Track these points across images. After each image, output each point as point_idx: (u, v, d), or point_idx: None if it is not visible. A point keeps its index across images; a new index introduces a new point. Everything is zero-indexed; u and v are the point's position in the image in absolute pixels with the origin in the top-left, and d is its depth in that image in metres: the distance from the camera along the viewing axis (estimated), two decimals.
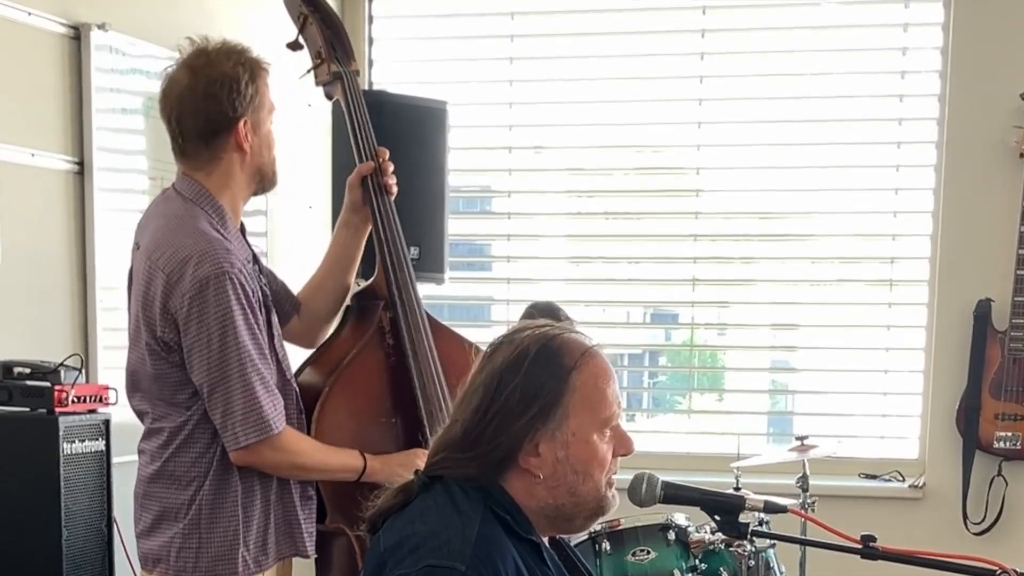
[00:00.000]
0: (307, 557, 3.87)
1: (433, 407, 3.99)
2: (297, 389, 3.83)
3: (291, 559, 3.92)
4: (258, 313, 3.64)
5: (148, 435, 3.75)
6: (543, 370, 2.49)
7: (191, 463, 3.66)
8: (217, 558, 3.66)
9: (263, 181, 3.81)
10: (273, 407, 3.60)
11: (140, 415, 3.79)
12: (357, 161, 4.15)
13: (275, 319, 3.81)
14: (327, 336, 4.19)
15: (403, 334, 4.03)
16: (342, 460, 3.81)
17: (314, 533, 3.85)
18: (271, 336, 3.73)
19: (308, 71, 4.24)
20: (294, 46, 4.23)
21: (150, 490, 3.72)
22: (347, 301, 4.25)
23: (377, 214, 4.08)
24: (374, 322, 4.08)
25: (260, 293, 3.71)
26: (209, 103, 3.69)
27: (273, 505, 3.74)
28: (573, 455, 2.51)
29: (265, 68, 3.76)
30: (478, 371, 2.56)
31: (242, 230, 3.84)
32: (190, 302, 3.51)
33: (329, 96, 4.33)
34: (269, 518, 3.73)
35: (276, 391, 3.64)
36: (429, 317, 4.16)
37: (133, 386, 3.75)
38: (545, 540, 2.63)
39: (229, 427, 3.57)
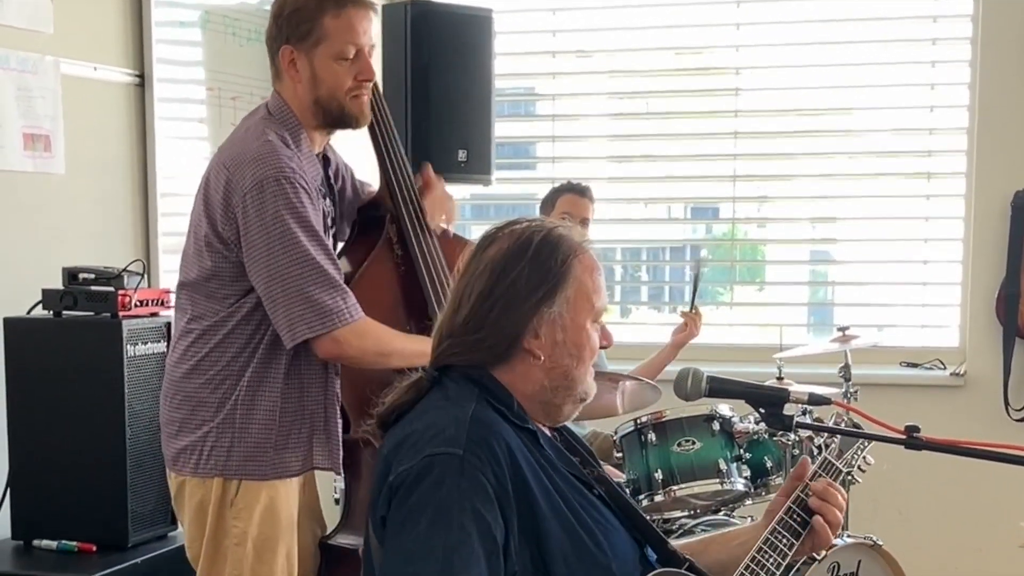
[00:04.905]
0: (335, 471, 3.79)
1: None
2: None
3: (312, 473, 3.86)
4: (318, 211, 3.58)
5: (183, 334, 3.68)
6: (548, 257, 2.54)
7: (227, 363, 3.60)
8: (247, 458, 3.61)
9: (326, 116, 3.71)
10: (338, 299, 3.51)
11: (179, 311, 3.74)
12: None
13: (328, 242, 3.71)
14: None
15: (411, 243, 3.96)
16: (421, 344, 3.71)
17: (340, 448, 3.76)
18: None
19: None
20: None
21: (182, 387, 3.65)
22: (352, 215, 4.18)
23: (376, 126, 4.01)
24: (382, 234, 4.00)
25: (322, 212, 3.65)
26: (270, 24, 3.71)
27: (312, 415, 3.67)
28: (570, 339, 2.56)
29: (347, 8, 3.65)
30: (474, 261, 2.61)
31: (325, 161, 3.82)
32: (249, 200, 3.47)
33: None
34: (304, 427, 3.66)
35: (342, 284, 3.55)
36: None
37: (181, 281, 3.71)
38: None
39: (298, 321, 3.49)
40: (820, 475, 2.84)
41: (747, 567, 2.64)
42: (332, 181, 3.87)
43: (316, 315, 3.49)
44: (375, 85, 3.94)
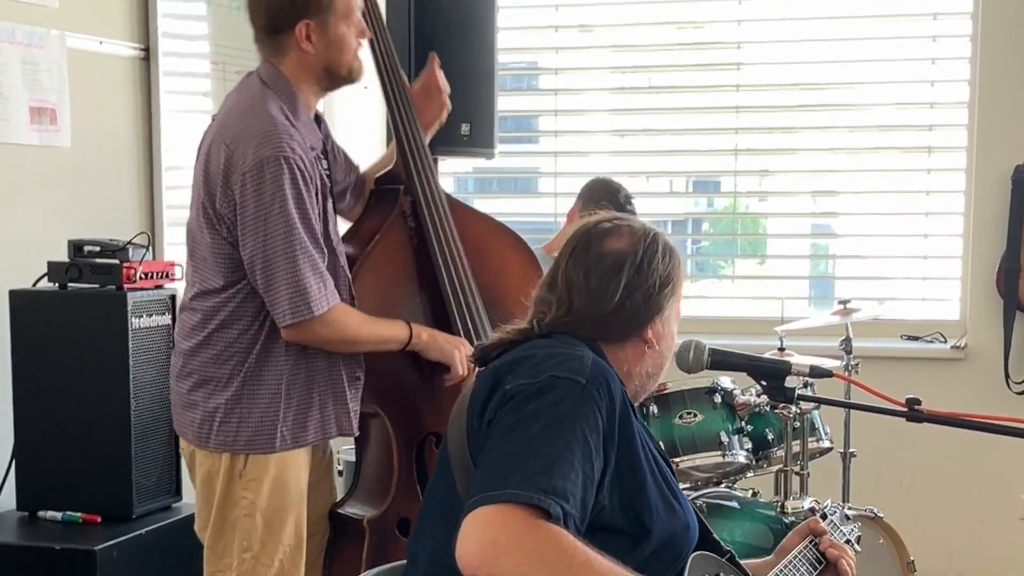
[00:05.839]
0: (351, 435, 3.83)
1: (455, 285, 3.95)
2: (349, 276, 3.77)
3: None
4: (314, 199, 3.58)
5: (190, 309, 3.68)
6: (672, 259, 2.73)
7: (233, 340, 3.61)
8: (256, 432, 3.61)
9: (333, 80, 3.73)
10: (320, 287, 3.53)
11: (188, 284, 3.75)
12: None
13: (331, 207, 3.74)
14: None
15: (423, 216, 3.95)
16: (389, 330, 3.75)
17: (357, 412, 3.79)
18: (326, 223, 3.67)
19: None
20: None
21: (188, 362, 3.66)
22: (370, 185, 4.18)
23: (391, 97, 4.00)
24: (396, 206, 4.00)
25: (320, 181, 3.64)
26: (276, 5, 3.65)
27: (319, 384, 3.68)
28: (670, 334, 2.76)
29: None
30: (594, 250, 2.71)
31: (317, 119, 3.80)
32: (248, 180, 3.46)
33: None
34: (312, 396, 3.67)
35: (325, 272, 3.57)
36: (451, 198, 4.11)
37: (190, 251, 3.70)
38: None
39: (277, 305, 3.51)
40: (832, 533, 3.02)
41: None
42: (326, 142, 3.87)
43: (293, 302, 3.51)
44: (391, 56, 4.01)
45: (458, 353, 3.80)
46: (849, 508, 3.25)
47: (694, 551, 2.65)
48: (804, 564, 2.83)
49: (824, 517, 3.08)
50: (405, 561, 2.71)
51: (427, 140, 4.10)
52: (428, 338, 3.78)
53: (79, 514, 4.36)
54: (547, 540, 2.23)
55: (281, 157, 3.46)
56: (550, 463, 2.30)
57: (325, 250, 3.61)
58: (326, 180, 3.72)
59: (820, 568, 2.86)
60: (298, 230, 3.49)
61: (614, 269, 2.67)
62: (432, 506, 2.65)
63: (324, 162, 3.77)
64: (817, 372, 2.95)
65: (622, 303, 2.65)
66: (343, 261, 3.74)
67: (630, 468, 2.50)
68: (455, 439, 2.57)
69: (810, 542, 2.89)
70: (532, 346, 2.62)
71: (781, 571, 2.80)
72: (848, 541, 3.07)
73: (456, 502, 2.44)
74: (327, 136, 3.89)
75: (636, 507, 2.49)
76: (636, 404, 2.76)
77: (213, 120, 3.73)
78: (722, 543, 2.78)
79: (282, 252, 3.48)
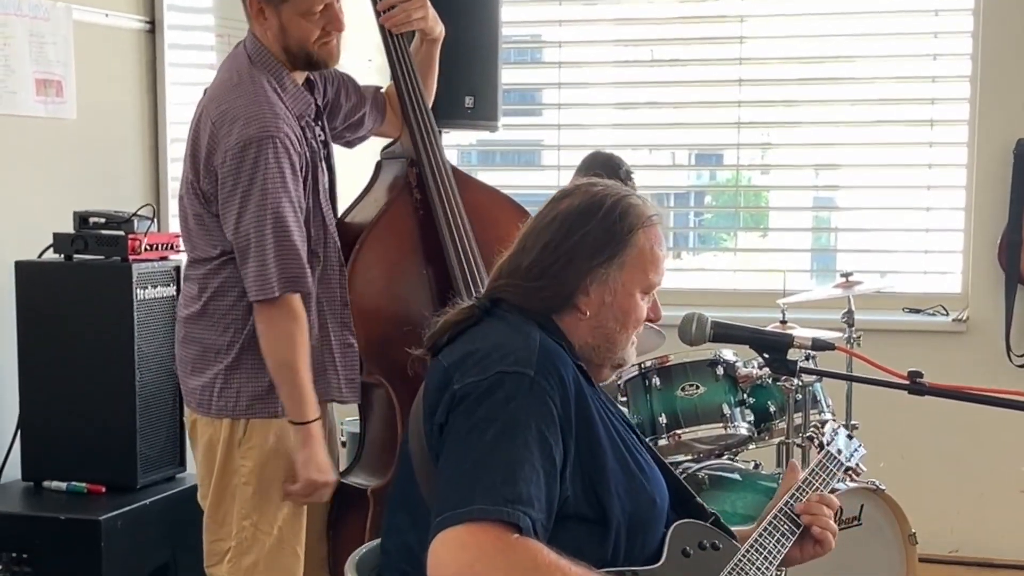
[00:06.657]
0: (344, 403, 3.81)
1: (460, 257, 3.93)
2: (338, 243, 3.75)
3: (328, 404, 3.85)
4: (298, 176, 3.55)
5: (187, 278, 3.70)
6: (615, 221, 2.59)
7: (229, 307, 3.60)
8: (256, 397, 3.61)
9: (295, 61, 3.66)
10: (282, 270, 3.47)
11: (186, 252, 3.76)
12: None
13: (323, 178, 3.72)
14: None
15: (429, 188, 3.94)
16: (307, 393, 3.57)
17: (355, 380, 3.77)
18: (317, 193, 3.66)
19: None
20: None
21: (190, 331, 3.67)
22: (377, 156, 4.20)
23: (398, 70, 3.99)
24: (402, 178, 4.01)
25: (309, 153, 3.63)
26: None
27: (314, 351, 3.64)
28: (618, 303, 2.61)
29: None
30: (546, 209, 2.66)
31: (308, 83, 3.77)
32: (231, 159, 3.45)
33: None
34: (308, 361, 3.65)
35: (299, 256, 3.51)
36: (456, 170, 4.09)
37: (182, 221, 3.70)
38: None
39: (246, 279, 3.50)
40: (811, 480, 2.86)
41: (737, 563, 2.58)
42: (320, 103, 3.84)
43: (259, 280, 3.48)
44: (398, 40, 3.98)
45: (313, 488, 3.63)
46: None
47: (678, 520, 2.60)
48: (775, 535, 2.65)
49: (821, 447, 3.01)
50: None
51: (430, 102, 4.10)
52: (316, 437, 3.60)
53: (84, 484, 4.37)
54: (523, 559, 2.21)
55: (266, 137, 3.46)
56: (511, 469, 2.26)
57: (308, 228, 3.60)
58: (317, 147, 3.71)
59: (800, 530, 2.70)
60: (274, 210, 3.46)
61: (545, 230, 2.61)
62: (399, 504, 2.61)
63: (318, 126, 3.76)
64: (819, 345, 2.93)
65: (544, 267, 2.59)
66: (333, 229, 3.73)
67: (590, 451, 2.46)
68: (415, 438, 2.53)
69: (785, 504, 2.74)
70: (479, 335, 2.56)
71: (752, 545, 2.63)
72: (848, 469, 2.99)
73: (422, 500, 2.44)
74: (325, 90, 3.88)
75: (597, 491, 2.44)
76: (611, 371, 2.74)
77: (205, 93, 3.71)
78: (705, 506, 2.72)
79: (255, 232, 3.46)
